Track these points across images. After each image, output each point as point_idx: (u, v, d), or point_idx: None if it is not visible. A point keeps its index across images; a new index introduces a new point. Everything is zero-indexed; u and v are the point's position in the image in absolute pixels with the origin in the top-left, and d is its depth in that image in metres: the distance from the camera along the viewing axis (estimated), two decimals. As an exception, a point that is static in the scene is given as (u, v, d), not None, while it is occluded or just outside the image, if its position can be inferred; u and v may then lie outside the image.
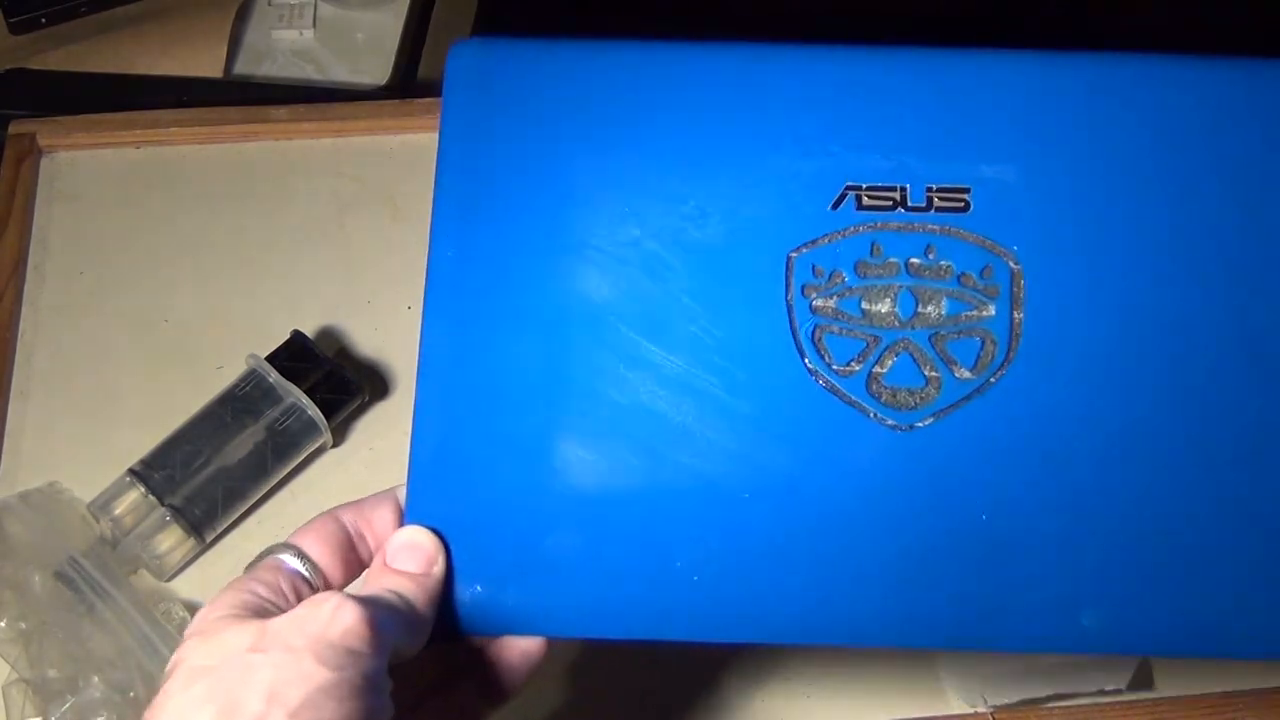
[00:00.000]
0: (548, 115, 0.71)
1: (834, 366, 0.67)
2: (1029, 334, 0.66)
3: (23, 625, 0.94)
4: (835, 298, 0.67)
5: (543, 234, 0.69)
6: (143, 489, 0.98)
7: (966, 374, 0.66)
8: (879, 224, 0.68)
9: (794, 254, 0.68)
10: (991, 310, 0.67)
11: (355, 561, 0.66)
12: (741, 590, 0.65)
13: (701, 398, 0.66)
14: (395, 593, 0.62)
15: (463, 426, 0.67)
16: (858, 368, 0.67)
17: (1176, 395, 0.66)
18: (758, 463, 0.66)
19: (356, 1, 1.38)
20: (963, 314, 0.67)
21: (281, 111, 1.23)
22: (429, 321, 0.68)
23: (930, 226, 0.68)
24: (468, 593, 0.65)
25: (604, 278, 0.68)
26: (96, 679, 0.90)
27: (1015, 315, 0.67)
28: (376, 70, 1.34)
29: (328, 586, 0.64)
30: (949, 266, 0.67)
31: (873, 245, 0.68)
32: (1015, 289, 0.67)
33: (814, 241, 0.68)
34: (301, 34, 1.36)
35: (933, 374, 0.66)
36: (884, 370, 0.67)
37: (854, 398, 0.66)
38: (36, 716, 0.90)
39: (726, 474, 0.65)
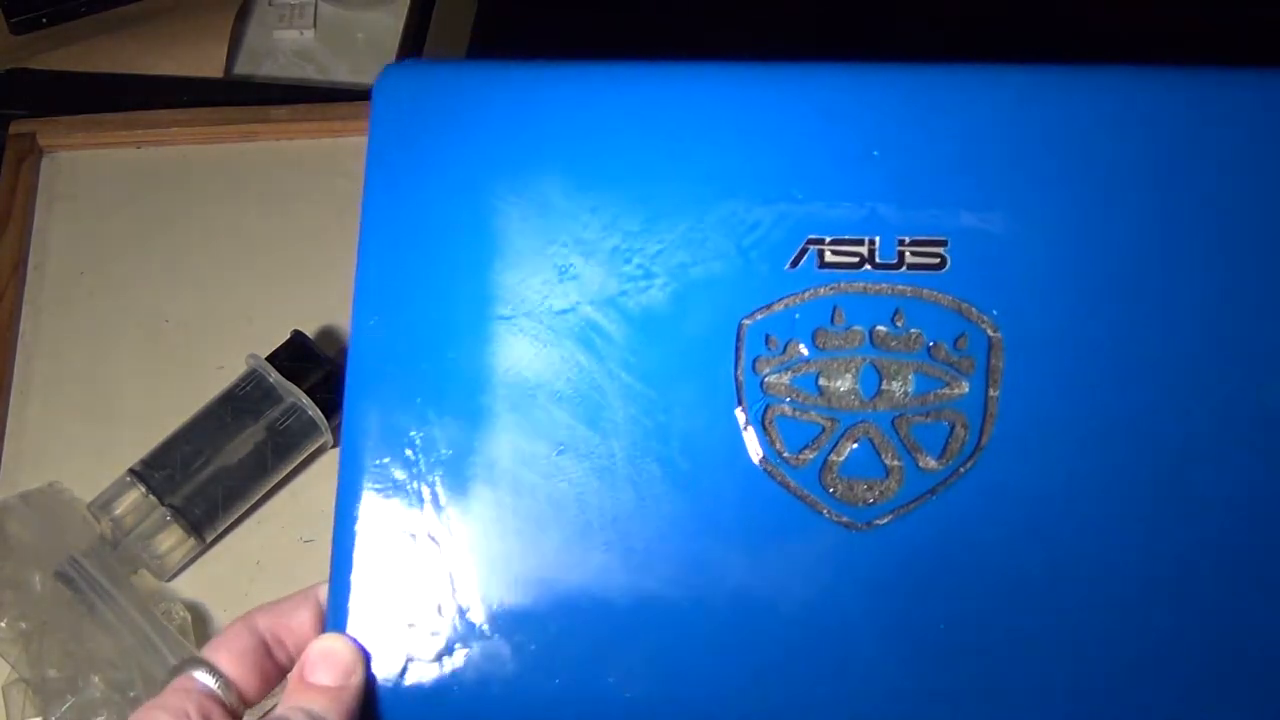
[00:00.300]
0: (481, 157, 0.64)
1: (785, 455, 0.60)
2: (1005, 415, 0.59)
3: (23, 625, 0.94)
4: (790, 373, 0.60)
5: (471, 300, 0.62)
6: (143, 489, 0.98)
7: (932, 464, 0.59)
8: (842, 285, 0.60)
9: (747, 321, 0.60)
10: (964, 387, 0.59)
11: (273, 670, 0.61)
12: (679, 708, 0.59)
13: (640, 490, 0.60)
14: (307, 712, 0.58)
15: (385, 520, 0.61)
16: (811, 456, 0.59)
17: (1172, 490, 0.58)
18: (699, 565, 0.59)
19: (357, 1, 1.37)
20: (931, 392, 0.59)
21: (282, 111, 1.23)
22: (350, 400, 0.62)
23: (900, 288, 0.60)
24: (389, 704, 0.60)
25: (536, 351, 0.61)
26: (96, 679, 0.90)
27: (990, 393, 0.59)
28: (376, 70, 1.30)
29: (243, 702, 0.61)
30: (919, 335, 0.60)
31: (834, 311, 0.60)
32: (993, 361, 0.59)
33: (769, 306, 0.60)
34: (302, 34, 1.36)
35: (895, 463, 0.59)
36: (840, 459, 0.59)
37: (806, 491, 0.59)
38: (36, 716, 0.91)
39: (664, 577, 0.59)
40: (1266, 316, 0.59)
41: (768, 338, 0.60)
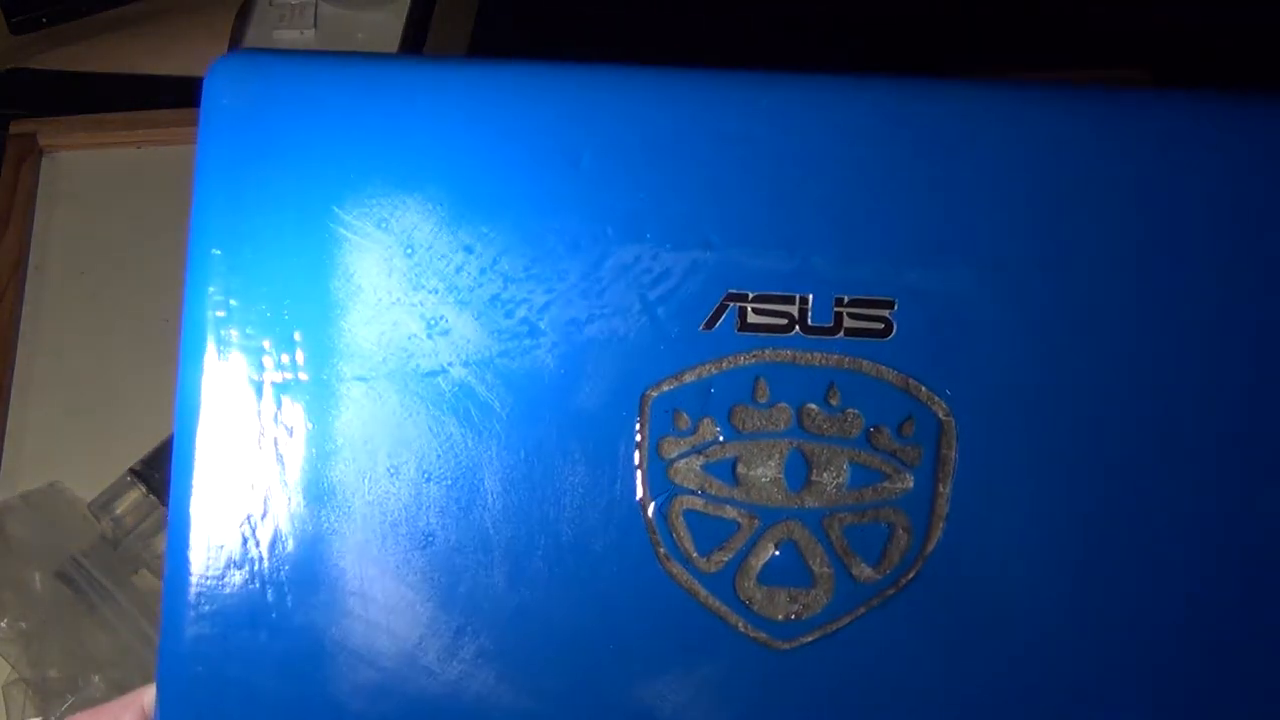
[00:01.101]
0: (335, 179, 0.52)
1: (694, 557, 0.50)
2: (955, 516, 0.50)
3: (23, 625, 0.91)
4: (701, 458, 0.50)
5: (320, 359, 0.51)
6: (143, 489, 0.96)
7: (868, 573, 0.50)
8: (767, 353, 0.50)
9: (651, 392, 0.50)
10: (909, 482, 0.50)
11: None
12: None
13: (522, 594, 0.51)
14: None
15: (217, 619, 0.51)
16: (725, 559, 0.50)
17: (1146, 606, 0.51)
18: (591, 686, 0.50)
19: (357, 1, 1.34)
20: (869, 487, 0.50)
21: None
22: (177, 478, 0.51)
23: (836, 358, 0.50)
24: None
25: (399, 422, 0.51)
26: (97, 678, 0.90)
27: (940, 489, 0.50)
28: None
29: None
30: (856, 417, 0.50)
31: (756, 383, 0.50)
32: (943, 450, 0.50)
33: (678, 376, 0.50)
34: (302, 34, 1.32)
35: (823, 570, 0.50)
36: (759, 563, 0.50)
37: (718, 601, 0.50)
38: (37, 716, 0.89)
39: (551, 698, 0.50)
40: (1241, 392, 0.51)
41: (676, 414, 0.51)
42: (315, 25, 1.31)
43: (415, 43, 1.30)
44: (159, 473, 0.96)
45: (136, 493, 0.96)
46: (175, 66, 1.31)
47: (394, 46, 1.31)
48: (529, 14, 1.40)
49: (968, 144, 0.51)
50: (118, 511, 0.97)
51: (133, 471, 0.96)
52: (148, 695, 0.53)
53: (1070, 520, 0.50)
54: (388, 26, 1.32)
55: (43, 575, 0.95)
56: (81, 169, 1.20)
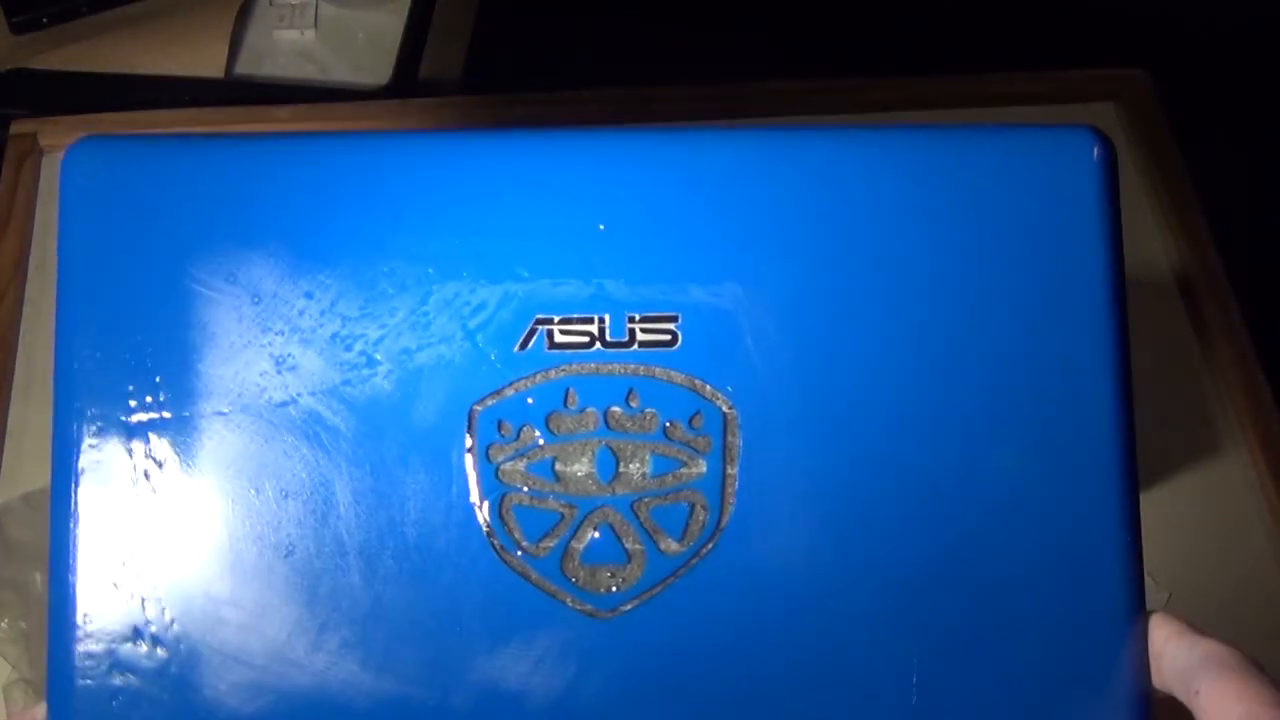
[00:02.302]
0: (183, 243, 0.59)
1: (525, 545, 0.58)
2: (743, 493, 0.58)
3: (23, 625, 0.96)
4: (525, 460, 0.59)
5: (182, 398, 0.58)
6: None
7: (674, 546, 0.58)
8: (573, 366, 0.59)
9: (478, 407, 0.59)
10: (702, 467, 0.58)
11: None
12: None
13: (375, 589, 0.58)
14: None
15: (102, 632, 0.57)
16: (551, 544, 0.58)
17: (912, 563, 0.58)
18: (441, 663, 0.57)
19: (358, 1, 1.38)
20: (670, 473, 0.59)
21: (283, 111, 1.24)
22: (55, 502, 0.58)
23: (632, 367, 0.59)
24: None
25: (256, 448, 0.58)
26: None
27: (728, 471, 0.58)
28: (377, 70, 1.34)
29: None
30: (654, 415, 0.59)
31: (567, 393, 0.59)
32: (729, 438, 0.58)
33: (499, 391, 0.59)
34: (303, 34, 1.37)
35: (636, 547, 0.58)
36: (581, 546, 0.58)
37: (548, 582, 0.58)
38: None
39: (405, 677, 0.57)
40: (986, 375, 0.59)
41: (500, 423, 0.59)
42: (315, 25, 1.34)
43: (415, 42, 1.33)
44: (158, 473, 1.00)
45: (135, 493, 0.99)
46: (175, 66, 1.34)
47: (394, 46, 1.33)
48: (529, 14, 1.43)
49: (733, 182, 0.60)
50: None
51: (131, 471, 0.99)
52: (39, 711, 0.57)
53: (839, 490, 0.58)
54: (388, 26, 1.35)
55: (43, 576, 0.97)
56: (82, 169, 1.21)
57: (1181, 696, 0.55)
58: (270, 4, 1.39)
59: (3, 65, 1.33)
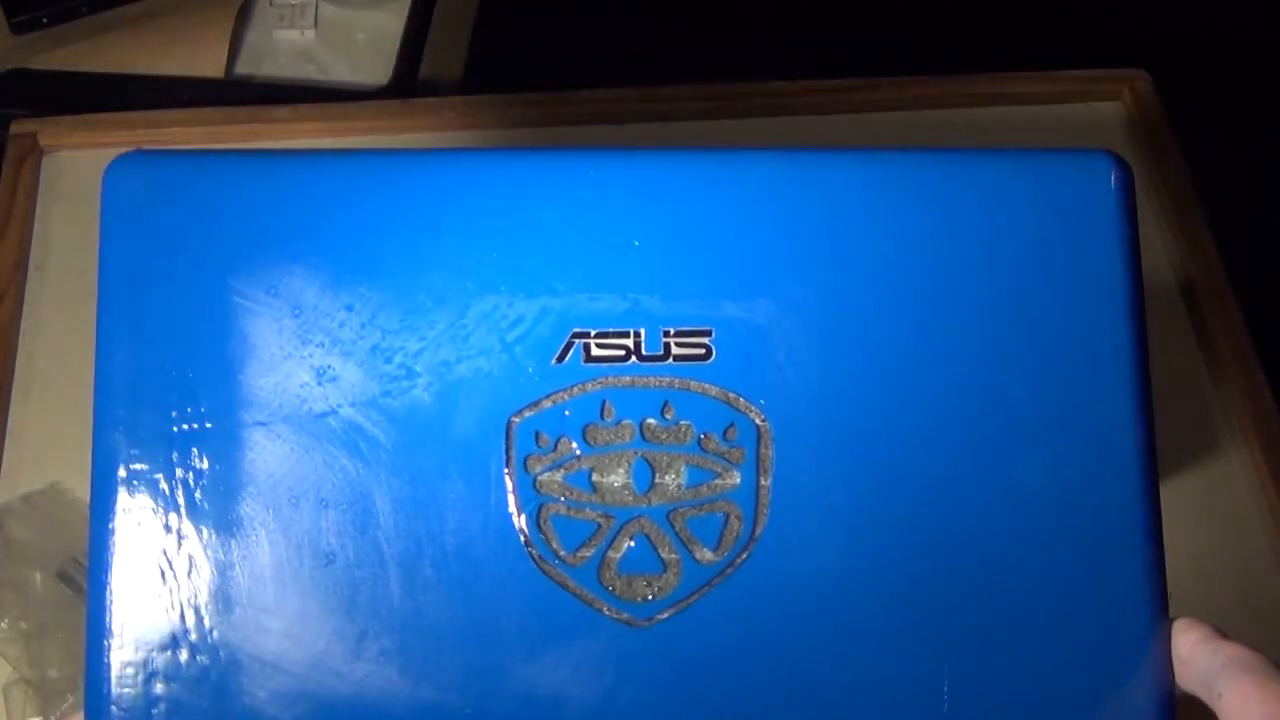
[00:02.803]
0: (224, 256, 0.61)
1: (562, 554, 0.59)
2: (777, 504, 0.59)
3: (24, 625, 0.96)
4: (562, 471, 0.60)
5: (223, 408, 0.60)
6: None
7: (709, 556, 0.59)
8: (610, 379, 0.60)
9: (515, 418, 0.60)
10: (736, 478, 0.60)
11: None
12: None
13: (415, 598, 0.58)
14: None
15: (141, 640, 0.58)
16: (588, 554, 0.59)
17: (945, 570, 0.60)
18: (479, 672, 0.58)
19: (358, 1, 1.38)
20: (704, 484, 0.60)
21: (283, 111, 1.24)
22: (95, 513, 0.59)
23: (667, 380, 0.60)
24: None
25: (296, 458, 0.59)
26: None
27: (762, 482, 0.60)
28: (377, 70, 1.34)
29: None
30: (688, 428, 0.60)
31: (604, 405, 0.60)
32: (762, 450, 0.60)
33: (537, 403, 0.60)
34: (303, 34, 1.37)
35: (671, 557, 0.59)
36: (618, 555, 0.59)
37: (585, 590, 0.59)
38: (37, 716, 0.93)
39: (443, 685, 0.58)
40: (1012, 388, 0.61)
41: (538, 435, 0.60)
42: (315, 25, 1.34)
43: (415, 42, 1.33)
44: (158, 474, 1.00)
45: (136, 493, 0.98)
46: (175, 66, 1.34)
47: (394, 46, 1.33)
48: (529, 14, 1.43)
49: (766, 201, 0.62)
50: None
51: (132, 472, 0.99)
52: (78, 718, 0.58)
53: (871, 500, 0.60)
54: (388, 26, 1.36)
55: (43, 575, 0.98)
56: (82, 169, 1.23)
57: (1206, 699, 0.56)
58: (270, 4, 1.39)
59: (3, 65, 1.33)
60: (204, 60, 1.33)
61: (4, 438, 1.10)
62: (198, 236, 0.61)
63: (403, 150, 0.63)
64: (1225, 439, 1.11)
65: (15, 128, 1.25)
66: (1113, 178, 0.62)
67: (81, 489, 1.02)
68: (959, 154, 0.63)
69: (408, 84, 1.35)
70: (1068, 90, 1.29)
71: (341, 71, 1.36)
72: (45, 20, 1.32)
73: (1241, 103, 1.53)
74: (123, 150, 0.62)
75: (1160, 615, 0.59)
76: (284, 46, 1.38)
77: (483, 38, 1.40)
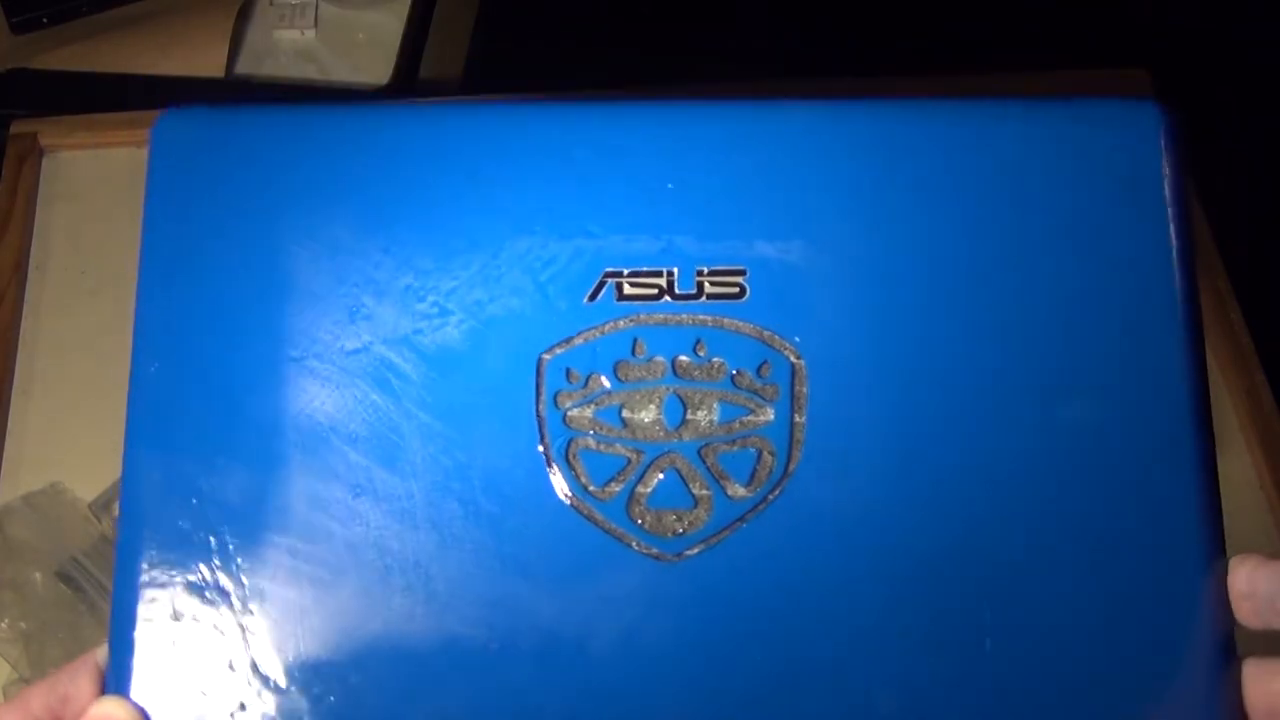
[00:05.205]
0: (264, 200, 0.62)
1: (591, 489, 0.59)
2: (811, 441, 0.59)
3: (23, 625, 0.96)
4: (592, 406, 0.60)
5: (257, 343, 0.60)
6: None
7: (741, 492, 0.59)
8: (641, 317, 0.61)
9: (546, 356, 0.60)
10: (770, 415, 0.60)
11: None
12: None
13: (441, 532, 0.59)
14: None
15: (169, 572, 0.58)
16: (618, 489, 0.59)
17: (976, 506, 0.59)
18: (507, 606, 0.58)
19: (358, 1, 1.38)
20: (737, 420, 0.60)
21: None
22: (130, 448, 0.59)
23: (700, 318, 0.61)
24: None
25: (327, 393, 0.60)
26: None
27: (796, 419, 0.60)
28: (377, 70, 1.34)
29: None
30: (721, 364, 0.60)
31: (635, 342, 0.61)
32: (796, 388, 0.60)
33: (568, 340, 0.60)
34: (303, 34, 1.37)
35: (703, 492, 0.59)
36: (648, 491, 0.59)
37: (614, 525, 0.59)
38: None
39: (471, 620, 0.58)
40: (1055, 330, 0.61)
41: (568, 371, 0.60)
42: (315, 25, 1.33)
43: (415, 42, 1.33)
44: (159, 472, 0.98)
45: (136, 493, 0.97)
46: (175, 66, 1.34)
47: (394, 46, 1.33)
48: (530, 14, 1.42)
49: (801, 149, 0.63)
50: (118, 512, 0.98)
51: (133, 471, 0.98)
52: (100, 653, 0.58)
53: (906, 438, 0.60)
54: (388, 26, 1.36)
55: (43, 575, 0.99)
56: (82, 169, 1.24)
57: (1275, 624, 0.57)
58: (270, 4, 1.40)
59: (3, 65, 1.34)
60: (204, 60, 1.34)
61: (4, 438, 1.11)
62: (240, 186, 0.62)
63: (438, 101, 0.65)
64: (1225, 439, 1.10)
65: (15, 128, 1.26)
66: (1159, 121, 0.63)
67: (81, 489, 1.04)
68: (1000, 101, 0.64)
69: (408, 84, 1.35)
70: (1068, 90, 1.28)
71: (342, 71, 1.37)
72: (45, 20, 1.33)
73: (1242, 103, 1.53)
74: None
75: (1216, 554, 0.59)
76: (284, 46, 1.39)
77: (483, 38, 1.39)
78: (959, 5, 1.48)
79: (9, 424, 1.11)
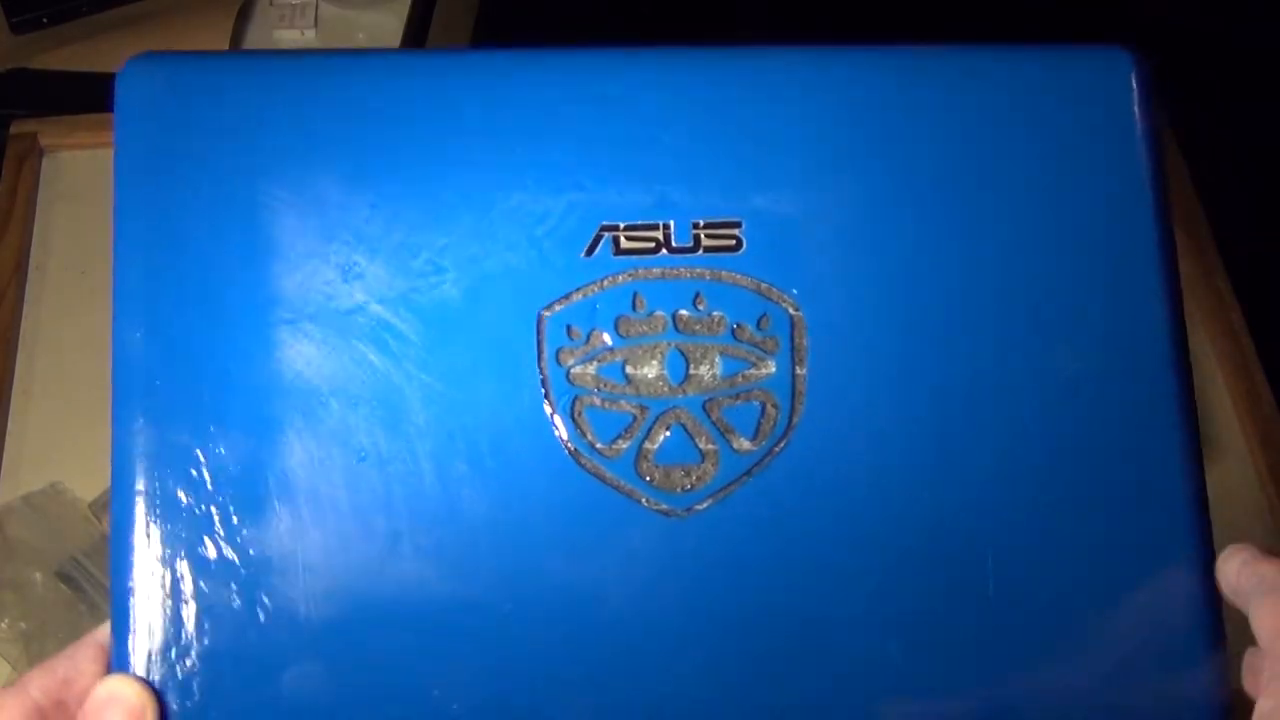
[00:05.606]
0: (244, 155, 0.59)
1: (598, 446, 0.59)
2: (813, 392, 0.60)
3: (23, 625, 0.96)
4: (595, 363, 0.59)
5: (247, 306, 0.58)
6: None
7: (746, 445, 0.59)
8: (640, 271, 0.60)
9: (545, 312, 0.59)
10: (771, 367, 0.60)
11: None
12: (511, 714, 0.57)
13: (450, 493, 0.58)
14: None
15: (167, 544, 0.56)
16: (625, 445, 0.59)
17: (986, 451, 0.60)
18: (518, 566, 0.57)
19: (357, 1, 1.38)
20: (739, 374, 0.60)
21: None
22: (118, 421, 0.57)
23: (698, 271, 0.60)
24: None
25: (324, 355, 0.58)
26: None
27: (797, 371, 0.60)
28: None
29: None
30: (721, 318, 0.60)
31: (635, 297, 0.60)
32: (796, 339, 0.60)
33: (567, 297, 0.60)
34: (303, 34, 1.37)
35: (709, 447, 0.59)
36: (654, 446, 0.59)
37: (622, 482, 0.59)
38: None
39: (482, 581, 0.57)
40: (1053, 278, 0.62)
41: (569, 328, 0.60)
42: (315, 25, 1.33)
43: (415, 42, 1.34)
44: (159, 473, 0.98)
45: (136, 493, 0.97)
46: None
47: (394, 46, 1.35)
48: (529, 14, 1.42)
49: (792, 99, 0.63)
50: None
51: (133, 471, 0.97)
52: (101, 632, 0.57)
53: (907, 387, 0.61)
54: (388, 26, 1.36)
55: (43, 575, 0.99)
56: (82, 169, 1.25)
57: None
58: (270, 4, 1.40)
59: (3, 65, 1.34)
60: None
61: (4, 438, 1.11)
62: (215, 137, 0.60)
63: (423, 50, 0.64)
64: (1225, 439, 1.10)
65: (16, 128, 1.26)
66: (1131, 67, 0.64)
67: (82, 489, 1.04)
68: (982, 49, 0.65)
69: (408, 84, 1.32)
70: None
71: (341, 71, 1.34)
72: (45, 20, 1.33)
73: (1241, 101, 1.53)
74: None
75: (1198, 488, 0.62)
76: (284, 46, 1.39)
77: (483, 38, 1.39)
78: (959, 5, 1.48)
79: (9, 424, 1.11)
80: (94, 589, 0.96)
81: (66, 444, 1.10)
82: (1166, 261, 0.63)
